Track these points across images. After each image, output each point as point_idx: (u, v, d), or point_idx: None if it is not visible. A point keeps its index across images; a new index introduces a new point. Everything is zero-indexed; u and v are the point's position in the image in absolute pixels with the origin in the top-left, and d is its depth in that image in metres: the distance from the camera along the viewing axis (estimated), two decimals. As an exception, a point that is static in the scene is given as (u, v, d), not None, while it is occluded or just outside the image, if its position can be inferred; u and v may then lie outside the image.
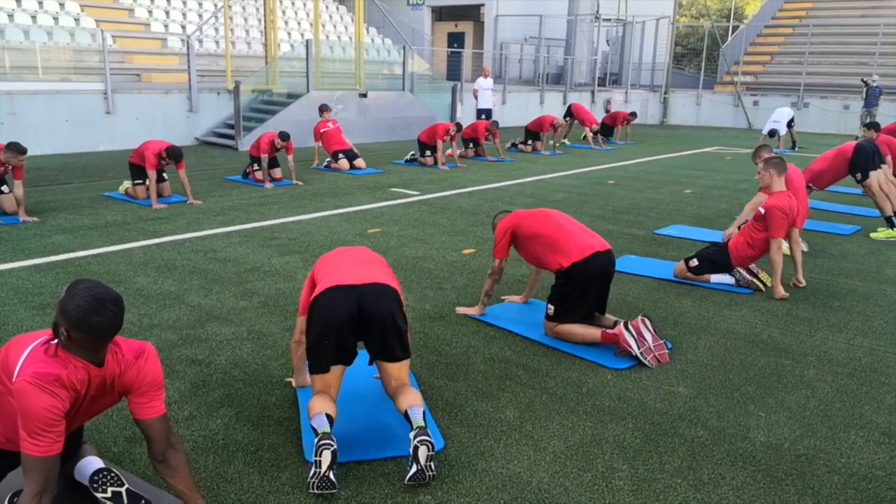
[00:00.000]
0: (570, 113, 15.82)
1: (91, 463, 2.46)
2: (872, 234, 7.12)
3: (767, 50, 24.99)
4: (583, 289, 4.05)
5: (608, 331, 3.95)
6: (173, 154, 7.67)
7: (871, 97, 17.86)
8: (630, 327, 3.87)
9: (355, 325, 2.85)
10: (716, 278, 5.34)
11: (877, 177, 7.14)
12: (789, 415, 3.35)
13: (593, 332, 4.00)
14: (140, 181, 7.89)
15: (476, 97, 16.08)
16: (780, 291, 5.09)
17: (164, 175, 8.03)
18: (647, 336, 3.86)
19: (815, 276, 5.66)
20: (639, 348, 3.82)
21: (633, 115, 16.79)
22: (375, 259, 3.19)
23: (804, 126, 20.82)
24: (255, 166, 9.34)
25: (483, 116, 15.71)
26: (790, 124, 15.20)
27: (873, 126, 8.64)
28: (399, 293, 2.96)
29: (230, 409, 3.25)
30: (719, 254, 5.36)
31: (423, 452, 2.65)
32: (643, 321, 3.91)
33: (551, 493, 2.68)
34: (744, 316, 4.71)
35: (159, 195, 7.86)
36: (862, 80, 18.34)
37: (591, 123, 15.35)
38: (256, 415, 3.20)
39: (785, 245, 5.34)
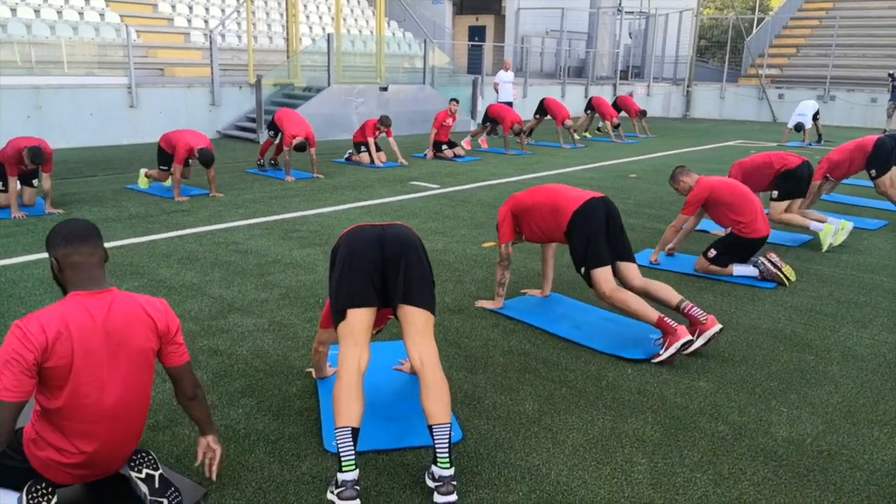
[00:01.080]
0: (591, 106, 15.70)
1: None
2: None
3: (793, 42, 24.63)
4: (590, 233, 3.95)
5: (668, 322, 3.74)
6: (204, 159, 7.55)
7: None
8: (696, 336, 3.79)
9: (379, 260, 2.74)
10: (739, 270, 5.27)
11: (890, 176, 7.00)
12: (812, 410, 3.32)
13: (650, 313, 3.82)
14: (165, 167, 7.97)
15: (497, 90, 16.01)
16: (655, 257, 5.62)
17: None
18: (700, 342, 3.82)
19: (839, 271, 5.58)
20: (681, 349, 3.73)
21: (644, 112, 16.54)
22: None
23: (830, 119, 20.52)
24: (362, 148, 10.69)
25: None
26: (815, 117, 14.99)
27: None
28: (422, 242, 2.91)
29: (251, 398, 3.28)
30: (732, 237, 5.30)
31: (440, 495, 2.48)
32: (714, 336, 3.83)
33: (570, 485, 2.68)
34: (766, 311, 4.67)
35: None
36: (889, 74, 18.09)
37: (612, 117, 15.22)
38: (277, 405, 3.23)
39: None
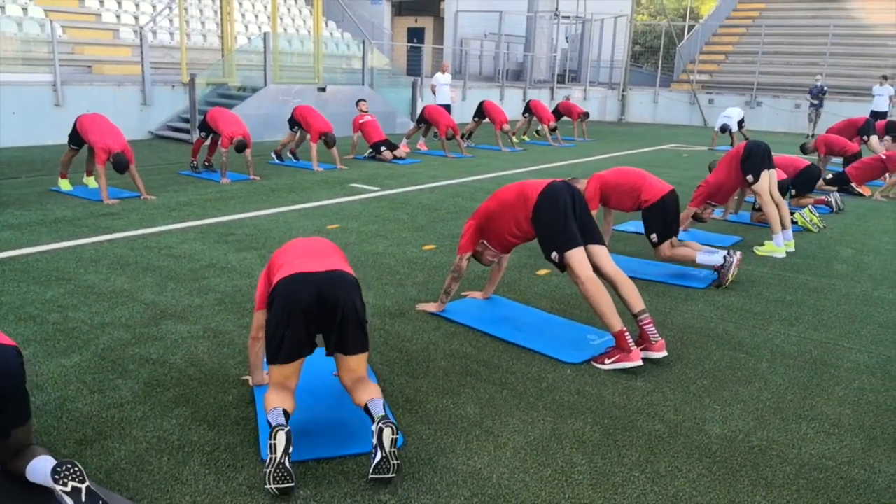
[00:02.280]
0: (528, 109, 15.88)
1: (47, 462, 2.38)
2: (756, 249, 6.44)
3: (722, 49, 25.50)
4: (560, 216, 3.88)
5: (628, 340, 3.73)
6: (117, 165, 7.31)
7: (814, 95, 18.75)
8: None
9: (315, 313, 2.78)
10: (702, 258, 5.33)
11: (768, 178, 6.28)
12: (743, 407, 3.42)
13: (614, 321, 3.75)
14: (76, 146, 7.76)
15: (434, 93, 16.03)
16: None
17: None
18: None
19: (767, 271, 5.78)
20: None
21: (587, 114, 16.93)
22: (333, 249, 3.14)
23: (757, 125, 21.31)
24: (382, 148, 11.40)
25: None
26: (741, 124, 15.54)
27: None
28: (358, 283, 2.92)
29: (185, 408, 3.18)
30: (645, 213, 5.42)
31: (387, 435, 2.59)
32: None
33: (511, 488, 2.68)
34: (700, 311, 4.80)
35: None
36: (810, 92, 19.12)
37: (549, 120, 15.46)
38: (213, 414, 3.13)
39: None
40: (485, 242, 4.36)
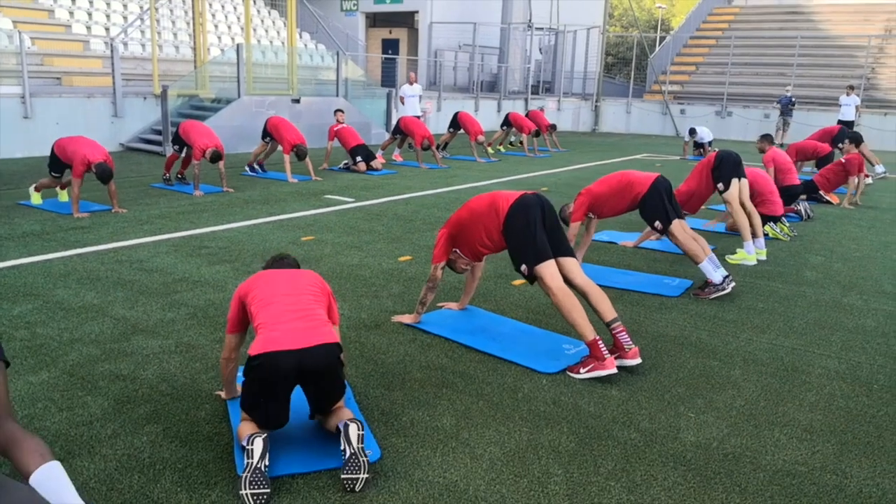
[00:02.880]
0: (507, 122, 15.97)
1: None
2: (728, 258, 6.48)
3: (693, 60, 25.89)
4: (526, 222, 3.92)
5: (601, 348, 3.76)
6: (101, 175, 7.21)
7: (783, 105, 19.19)
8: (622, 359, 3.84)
9: (294, 381, 2.82)
10: (704, 266, 5.30)
11: (738, 187, 6.25)
12: (717, 415, 3.44)
13: (587, 331, 3.77)
14: (57, 174, 7.62)
15: (403, 103, 15.88)
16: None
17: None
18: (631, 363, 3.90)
19: (739, 279, 5.85)
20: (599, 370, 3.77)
21: (554, 127, 16.99)
22: (312, 294, 3.04)
23: (728, 134, 21.65)
24: (358, 159, 11.46)
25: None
26: (710, 143, 15.91)
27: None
28: (340, 345, 2.87)
29: (157, 425, 3.12)
30: (641, 206, 5.48)
31: (353, 430, 2.67)
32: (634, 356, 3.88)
33: (488, 500, 2.67)
34: (673, 319, 4.84)
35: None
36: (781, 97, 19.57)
37: (529, 129, 15.56)
38: (185, 430, 3.08)
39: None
40: (457, 251, 4.37)
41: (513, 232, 3.98)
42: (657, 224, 5.41)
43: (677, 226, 5.37)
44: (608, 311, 3.95)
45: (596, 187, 5.65)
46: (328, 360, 2.80)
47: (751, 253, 6.38)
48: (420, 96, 15.85)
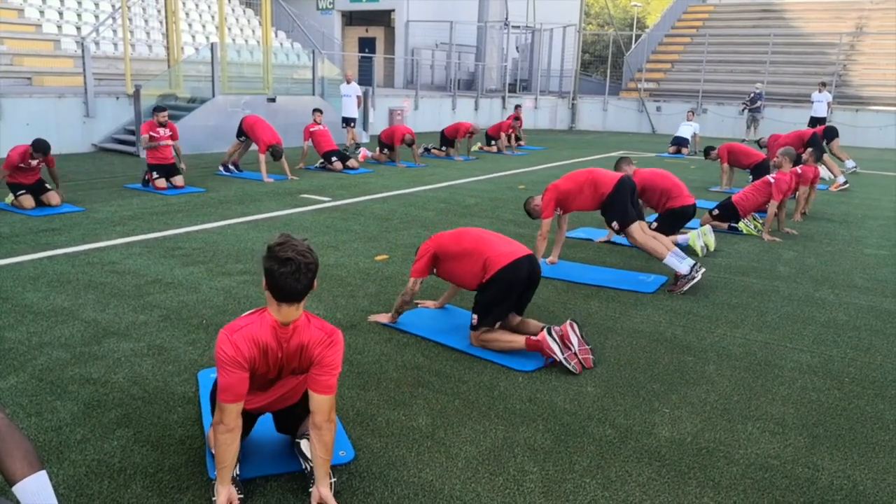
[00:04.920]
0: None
1: None
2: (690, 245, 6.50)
3: (668, 58, 26.09)
4: (505, 294, 4.02)
5: (532, 338, 3.91)
6: (40, 146, 7.38)
7: (754, 103, 19.48)
8: (553, 333, 3.86)
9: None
10: (669, 260, 5.40)
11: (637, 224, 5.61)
12: (691, 410, 3.47)
13: (517, 340, 3.96)
14: (23, 191, 7.54)
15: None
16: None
17: (47, 186, 7.78)
18: (574, 340, 3.86)
19: (714, 275, 5.90)
20: (563, 353, 3.81)
21: (473, 132, 15.21)
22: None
23: (703, 131, 21.79)
24: (333, 159, 11.54)
25: (348, 125, 14.81)
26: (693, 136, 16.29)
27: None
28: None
29: (128, 429, 3.08)
30: (602, 207, 5.63)
31: (305, 445, 2.68)
32: (571, 325, 3.91)
33: (463, 499, 2.67)
34: (649, 315, 4.86)
35: (47, 204, 7.64)
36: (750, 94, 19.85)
37: (505, 129, 15.79)
38: (156, 435, 3.04)
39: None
40: (435, 272, 4.35)
41: (487, 295, 4.06)
42: (614, 224, 5.60)
43: (636, 227, 5.50)
44: (536, 328, 4.10)
45: (563, 183, 5.72)
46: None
47: (690, 241, 6.53)
48: (358, 96, 14.87)
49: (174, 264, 5.66)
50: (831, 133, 12.48)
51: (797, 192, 8.16)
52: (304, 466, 2.69)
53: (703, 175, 12.37)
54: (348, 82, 14.90)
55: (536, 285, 4.17)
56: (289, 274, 2.38)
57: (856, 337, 4.57)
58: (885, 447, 3.17)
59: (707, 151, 10.89)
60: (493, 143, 15.45)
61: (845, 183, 11.25)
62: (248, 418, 2.77)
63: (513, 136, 16.23)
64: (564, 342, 3.85)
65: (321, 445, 2.52)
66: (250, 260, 5.81)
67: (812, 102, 18.54)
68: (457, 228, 4.43)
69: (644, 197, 6.60)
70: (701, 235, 6.57)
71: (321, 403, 2.52)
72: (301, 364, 2.57)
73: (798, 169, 8.05)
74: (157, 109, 9.32)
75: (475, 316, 4.07)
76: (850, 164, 13.05)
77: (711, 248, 6.61)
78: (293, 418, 2.84)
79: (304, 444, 2.69)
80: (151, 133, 9.07)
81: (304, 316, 2.52)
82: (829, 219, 8.72)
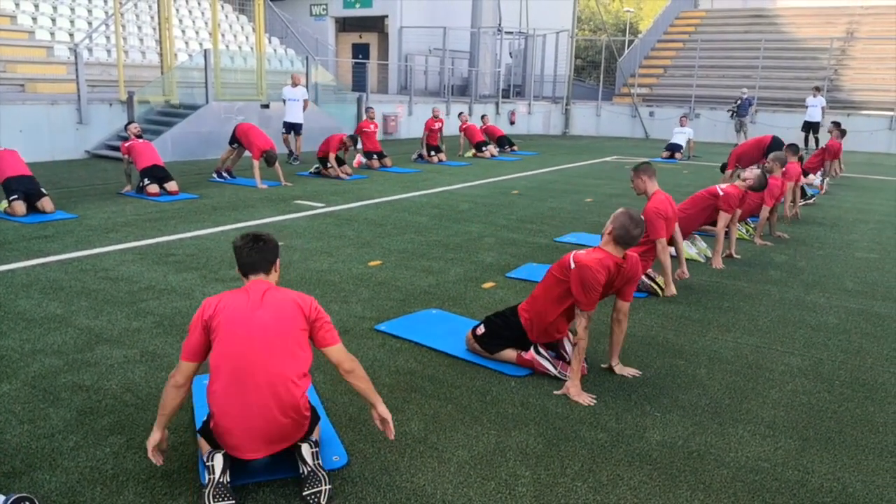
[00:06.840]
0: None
1: None
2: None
3: (661, 63, 26.18)
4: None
5: (522, 355, 3.90)
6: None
7: (743, 108, 19.55)
8: (541, 350, 3.88)
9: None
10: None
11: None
12: (682, 413, 3.49)
13: (509, 354, 3.96)
14: (15, 197, 7.53)
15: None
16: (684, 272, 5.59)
17: (44, 190, 7.81)
18: (569, 348, 3.88)
19: (705, 279, 5.93)
20: (555, 368, 3.82)
21: (347, 146, 14.37)
22: (279, 338, 2.74)
23: (696, 136, 21.88)
24: (328, 164, 11.43)
25: (289, 132, 13.54)
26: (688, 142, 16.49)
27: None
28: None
29: (120, 436, 3.08)
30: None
31: (305, 449, 2.69)
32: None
33: (455, 504, 2.68)
34: (640, 319, 4.88)
35: (40, 211, 7.66)
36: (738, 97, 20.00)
37: (498, 135, 16.06)
38: (149, 441, 3.04)
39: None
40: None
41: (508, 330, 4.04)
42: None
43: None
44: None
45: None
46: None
47: (692, 251, 6.53)
48: (305, 100, 13.51)
49: (167, 271, 5.67)
50: (781, 144, 12.18)
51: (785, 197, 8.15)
52: (301, 471, 2.68)
53: (694, 180, 12.43)
54: (294, 85, 13.42)
55: None
56: (244, 245, 2.86)
57: (846, 340, 4.60)
58: (875, 449, 3.19)
59: (723, 168, 11.23)
60: (484, 148, 15.53)
61: (811, 197, 10.83)
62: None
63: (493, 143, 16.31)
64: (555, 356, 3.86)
65: (361, 381, 2.82)
66: (244, 266, 5.81)
67: (806, 107, 18.64)
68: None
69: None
70: (691, 245, 6.58)
71: (338, 353, 2.81)
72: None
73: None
74: (129, 124, 9.88)
75: (483, 329, 4.05)
76: (817, 181, 12.43)
77: (709, 253, 6.62)
78: (292, 448, 2.78)
79: (304, 448, 2.69)
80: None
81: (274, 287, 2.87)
82: (820, 223, 8.77)
